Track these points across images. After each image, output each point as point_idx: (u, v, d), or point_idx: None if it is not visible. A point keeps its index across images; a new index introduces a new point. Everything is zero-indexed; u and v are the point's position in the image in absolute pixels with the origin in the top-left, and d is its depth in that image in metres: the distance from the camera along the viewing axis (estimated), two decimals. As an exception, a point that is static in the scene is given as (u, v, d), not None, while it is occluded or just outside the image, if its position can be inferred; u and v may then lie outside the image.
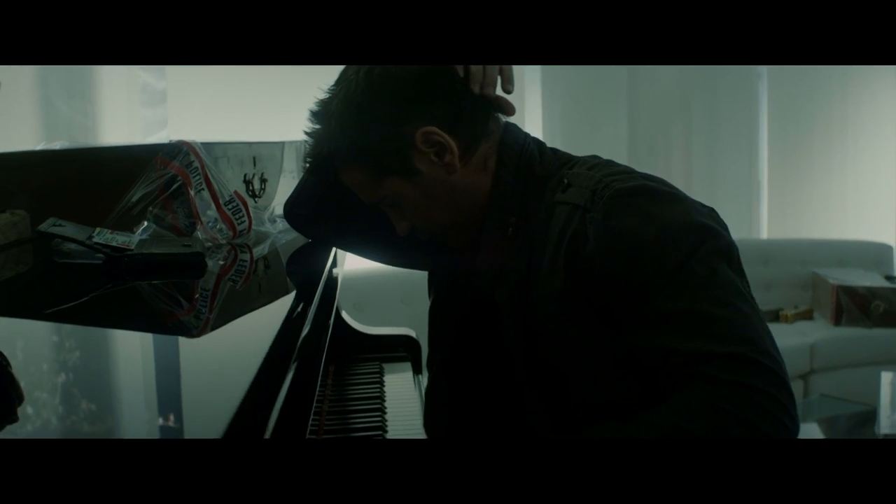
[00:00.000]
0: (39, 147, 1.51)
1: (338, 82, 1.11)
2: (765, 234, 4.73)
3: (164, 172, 1.32)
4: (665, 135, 4.56)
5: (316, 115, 1.11)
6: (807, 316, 3.96)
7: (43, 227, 1.09)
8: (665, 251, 0.96)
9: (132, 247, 1.03)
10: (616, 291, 0.98)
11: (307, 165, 1.20)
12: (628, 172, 1.05)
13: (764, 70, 4.81)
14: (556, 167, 1.11)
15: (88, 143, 2.49)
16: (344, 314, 1.97)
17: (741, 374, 0.89)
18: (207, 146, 1.38)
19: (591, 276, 1.00)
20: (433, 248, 1.20)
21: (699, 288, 0.95)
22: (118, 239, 1.05)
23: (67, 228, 1.05)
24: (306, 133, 1.14)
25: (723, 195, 4.69)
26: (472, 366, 1.23)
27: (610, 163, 1.10)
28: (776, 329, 3.82)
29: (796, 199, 4.82)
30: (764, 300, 4.10)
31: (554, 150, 1.16)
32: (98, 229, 1.09)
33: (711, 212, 1.05)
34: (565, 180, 1.06)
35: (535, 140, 1.16)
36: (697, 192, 4.56)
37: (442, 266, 1.26)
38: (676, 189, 1.05)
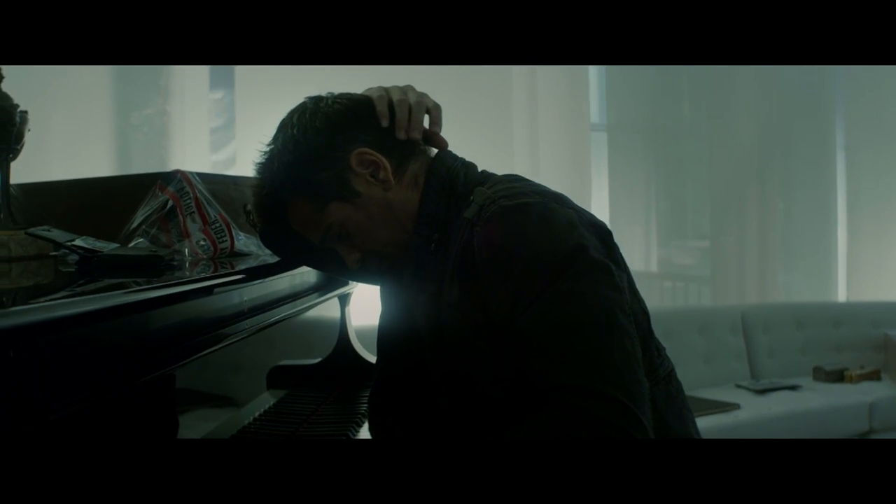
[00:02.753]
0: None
1: (276, 131, 1.23)
2: (840, 298, 4.64)
3: (160, 197, 1.51)
4: (740, 199, 4.57)
5: (261, 165, 1.23)
6: (873, 377, 3.83)
7: (32, 230, 1.27)
8: (533, 271, 1.02)
9: (104, 250, 1.19)
10: (491, 303, 1.06)
11: (259, 214, 1.29)
12: (521, 189, 1.11)
13: (843, 137, 4.78)
14: (475, 185, 1.18)
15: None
16: (355, 343, 2.09)
17: (588, 405, 0.94)
18: (209, 177, 1.56)
19: (476, 286, 1.07)
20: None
21: (562, 311, 1.00)
22: (96, 244, 1.22)
23: (53, 233, 1.23)
24: (253, 186, 1.25)
25: (798, 259, 4.65)
26: (408, 375, 1.32)
27: (514, 178, 1.17)
28: (840, 389, 3.74)
29: (880, 262, 4.71)
30: (833, 361, 3.99)
31: (482, 172, 1.26)
32: (84, 237, 1.27)
33: (598, 229, 1.10)
34: (472, 197, 1.14)
35: (466, 162, 1.25)
36: (773, 255, 4.57)
37: (387, 281, 1.37)
38: (567, 206, 1.10)
